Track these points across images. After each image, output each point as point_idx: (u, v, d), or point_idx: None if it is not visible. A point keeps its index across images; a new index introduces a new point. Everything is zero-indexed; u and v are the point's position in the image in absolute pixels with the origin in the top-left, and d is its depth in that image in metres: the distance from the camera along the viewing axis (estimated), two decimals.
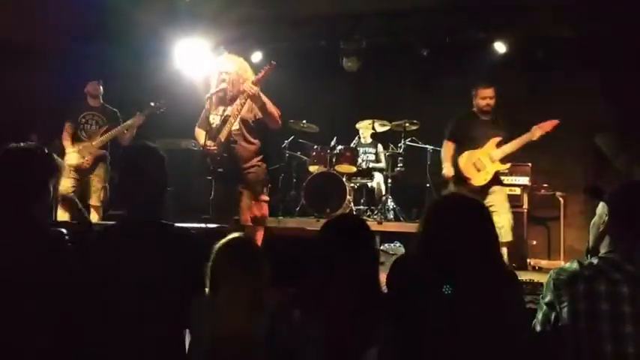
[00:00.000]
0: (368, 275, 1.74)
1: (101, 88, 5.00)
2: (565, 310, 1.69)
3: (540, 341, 1.80)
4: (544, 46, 5.83)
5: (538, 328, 1.81)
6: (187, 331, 1.88)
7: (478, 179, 4.30)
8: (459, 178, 4.37)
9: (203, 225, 3.17)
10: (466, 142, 4.41)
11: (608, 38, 5.36)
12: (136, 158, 1.95)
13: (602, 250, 1.79)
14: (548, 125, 4.21)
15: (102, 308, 1.76)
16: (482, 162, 4.29)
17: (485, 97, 4.41)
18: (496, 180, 4.34)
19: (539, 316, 1.81)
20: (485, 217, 1.76)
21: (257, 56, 6.50)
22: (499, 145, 4.29)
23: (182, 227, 2.05)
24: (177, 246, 1.89)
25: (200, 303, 1.83)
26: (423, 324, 1.66)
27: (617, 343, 1.60)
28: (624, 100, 5.34)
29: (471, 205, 1.79)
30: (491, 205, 4.16)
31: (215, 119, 3.65)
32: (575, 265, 1.75)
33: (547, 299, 1.78)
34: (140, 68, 5.88)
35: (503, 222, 4.14)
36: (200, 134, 3.74)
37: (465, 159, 4.36)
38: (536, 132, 4.19)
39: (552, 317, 1.75)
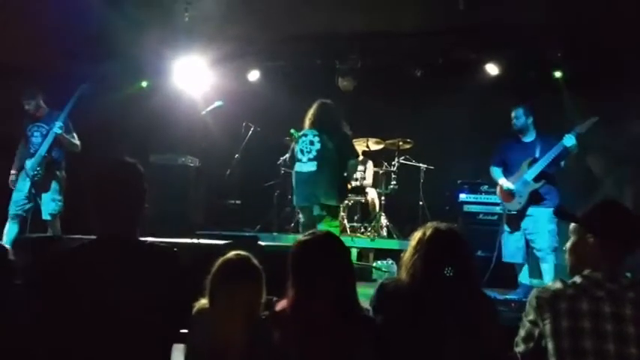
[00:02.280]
0: (345, 293, 1.79)
1: (31, 101, 4.69)
2: (548, 327, 1.72)
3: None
4: (535, 67, 5.95)
5: (521, 346, 1.84)
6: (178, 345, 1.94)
7: (513, 205, 4.21)
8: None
9: (196, 240, 3.21)
10: (506, 166, 4.35)
11: (597, 57, 5.48)
12: (112, 174, 1.87)
13: (586, 271, 1.81)
14: (584, 126, 4.00)
15: (75, 331, 1.69)
16: (515, 186, 4.19)
17: (512, 118, 4.31)
18: (533, 202, 4.14)
19: (522, 333, 1.84)
20: (463, 247, 1.91)
21: (254, 75, 6.62)
22: (531, 164, 4.16)
23: (161, 244, 1.97)
24: (157, 264, 1.83)
25: (198, 314, 1.88)
26: (403, 349, 1.74)
27: None
28: (614, 120, 5.44)
29: (458, 239, 1.92)
30: (529, 232, 4.14)
31: None
32: (558, 284, 1.78)
33: (530, 317, 1.80)
34: (139, 86, 5.99)
35: (541, 245, 4.08)
36: None
37: (500, 187, 4.32)
38: (570, 138, 3.96)
39: (536, 335, 1.78)
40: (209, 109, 4.81)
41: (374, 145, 6.34)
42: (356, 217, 6.18)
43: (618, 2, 4.74)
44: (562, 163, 4.15)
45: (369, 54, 6.35)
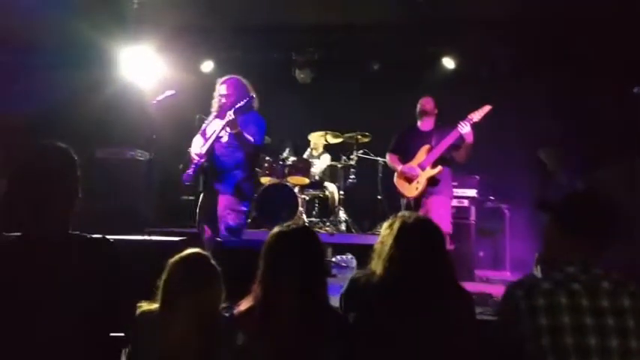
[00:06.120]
0: (315, 289, 1.71)
1: None
2: (526, 325, 1.63)
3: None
4: (491, 62, 6.03)
5: (497, 344, 1.76)
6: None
7: (409, 191, 4.33)
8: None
9: (147, 237, 3.02)
10: (403, 154, 4.45)
11: (553, 53, 5.60)
12: (40, 161, 1.65)
13: (562, 264, 1.73)
14: (477, 114, 4.14)
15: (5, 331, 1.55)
16: (412, 173, 4.29)
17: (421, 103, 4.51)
18: (430, 189, 4.26)
19: (497, 331, 1.76)
20: (437, 236, 1.83)
21: (208, 66, 6.40)
22: (429, 151, 4.27)
23: (96, 237, 1.73)
24: (87, 256, 1.64)
25: (142, 317, 1.73)
26: (376, 347, 1.65)
27: (582, 356, 1.56)
28: (567, 115, 5.58)
29: (432, 228, 1.85)
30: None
31: None
32: (532, 279, 1.72)
33: (505, 314, 1.73)
34: (85, 77, 5.65)
35: None
36: None
37: (398, 173, 4.42)
38: (464, 126, 4.11)
39: (513, 333, 1.67)
40: (160, 97, 4.58)
41: (332, 139, 6.27)
42: (314, 212, 6.09)
43: None
44: (459, 153, 4.21)
45: (326, 46, 6.28)
